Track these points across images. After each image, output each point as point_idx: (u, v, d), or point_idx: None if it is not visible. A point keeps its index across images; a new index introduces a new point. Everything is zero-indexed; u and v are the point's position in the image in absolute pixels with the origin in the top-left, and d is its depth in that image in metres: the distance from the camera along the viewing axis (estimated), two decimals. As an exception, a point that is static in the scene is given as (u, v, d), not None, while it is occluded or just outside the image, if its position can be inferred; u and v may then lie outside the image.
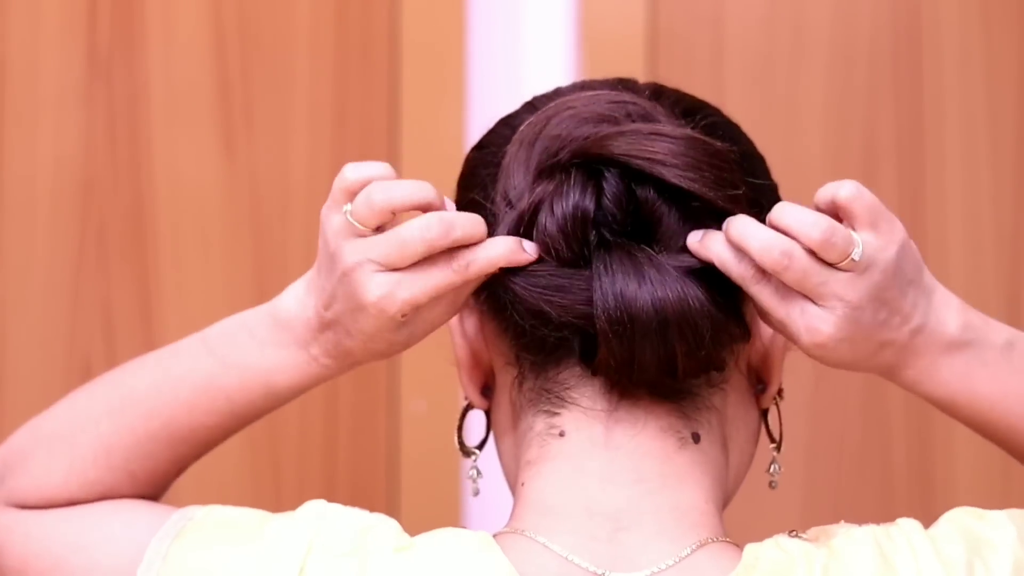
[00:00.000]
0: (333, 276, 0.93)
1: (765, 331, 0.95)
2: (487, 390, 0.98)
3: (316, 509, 0.92)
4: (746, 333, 0.92)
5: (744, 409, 0.96)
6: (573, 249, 0.88)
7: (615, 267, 0.87)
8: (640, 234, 0.89)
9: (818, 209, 0.91)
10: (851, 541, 0.89)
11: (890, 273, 0.90)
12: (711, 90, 1.90)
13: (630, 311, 0.86)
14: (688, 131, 0.89)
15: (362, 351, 0.95)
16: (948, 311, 0.96)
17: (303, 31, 1.83)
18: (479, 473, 0.99)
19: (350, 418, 1.84)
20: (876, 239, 0.90)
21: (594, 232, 0.88)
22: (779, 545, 0.89)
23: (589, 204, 0.88)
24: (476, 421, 1.01)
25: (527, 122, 0.92)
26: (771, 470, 0.99)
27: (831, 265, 0.88)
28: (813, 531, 0.92)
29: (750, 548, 0.89)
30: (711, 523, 0.92)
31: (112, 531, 0.98)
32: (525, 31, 1.87)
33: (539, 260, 0.89)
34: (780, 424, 0.99)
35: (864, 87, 1.85)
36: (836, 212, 0.91)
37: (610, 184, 0.88)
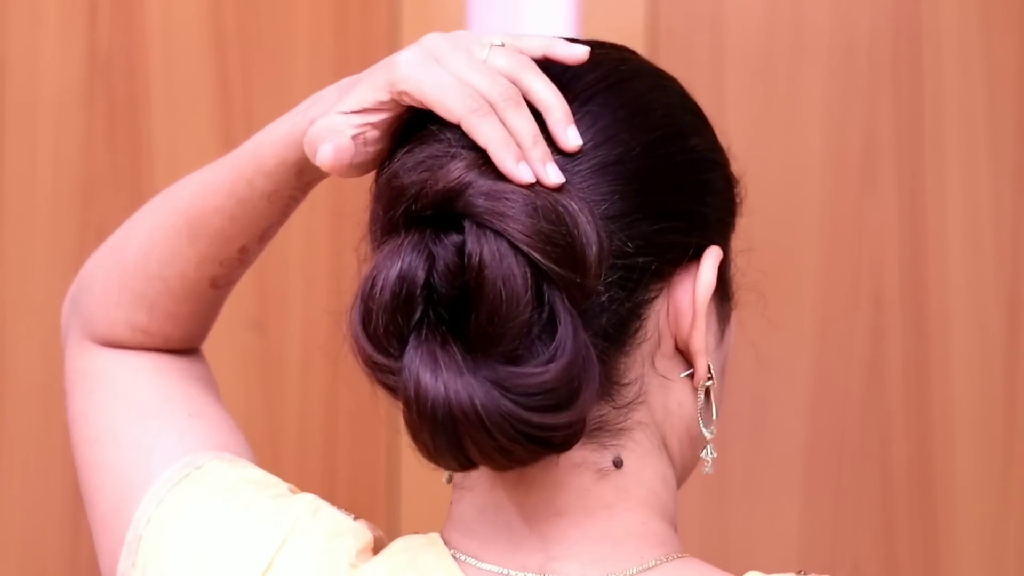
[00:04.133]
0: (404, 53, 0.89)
1: (683, 324, 0.89)
2: None
3: (310, 503, 0.92)
4: (605, 393, 0.86)
5: (675, 401, 0.90)
6: (399, 324, 0.82)
7: (419, 357, 0.81)
8: (467, 305, 0.82)
9: None
10: None
11: None
12: (711, 90, 1.90)
13: (420, 405, 0.80)
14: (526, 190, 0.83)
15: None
16: None
17: (303, 31, 1.83)
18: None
19: (350, 419, 1.84)
20: None
21: (420, 308, 0.82)
22: None
23: (420, 277, 0.81)
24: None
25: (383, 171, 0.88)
26: (703, 454, 0.92)
27: None
28: None
29: None
30: (655, 542, 0.88)
31: (141, 442, 0.98)
32: (525, 31, 1.86)
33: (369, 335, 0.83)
34: (713, 405, 0.91)
35: (864, 87, 1.85)
36: None
37: (445, 250, 0.82)
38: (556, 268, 0.81)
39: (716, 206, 0.91)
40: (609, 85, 0.89)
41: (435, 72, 0.85)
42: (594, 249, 0.82)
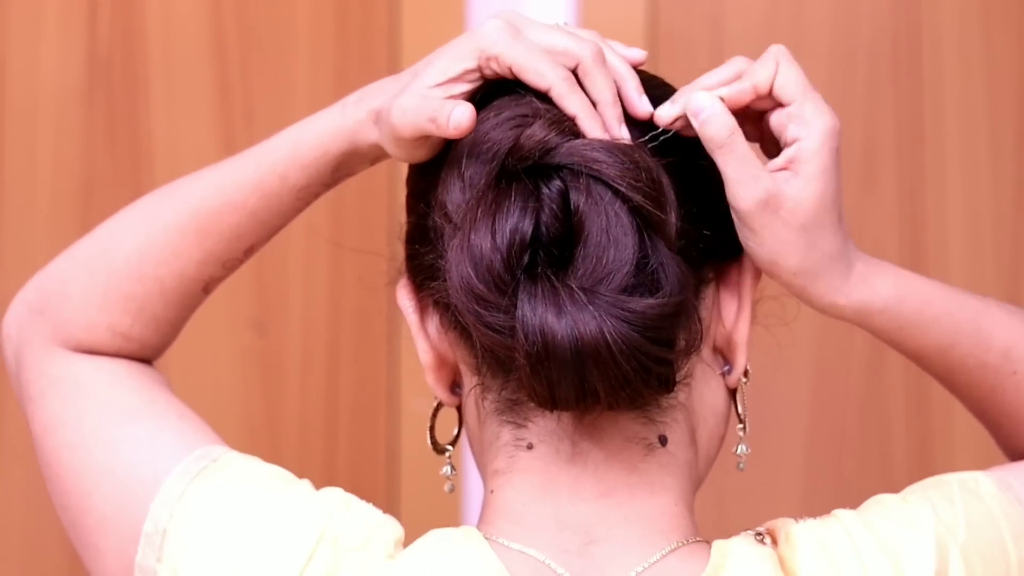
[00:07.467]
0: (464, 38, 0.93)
1: (728, 315, 0.94)
2: (456, 387, 0.97)
3: (341, 497, 0.92)
4: (693, 344, 0.90)
5: (711, 395, 0.95)
6: (507, 274, 0.85)
7: (537, 299, 0.84)
8: (572, 249, 0.86)
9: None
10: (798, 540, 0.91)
11: None
12: (711, 90, 1.90)
13: (547, 346, 0.83)
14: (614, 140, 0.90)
15: (385, 98, 0.95)
16: None
17: (303, 31, 1.83)
18: (453, 469, 0.98)
19: (350, 418, 1.84)
20: None
21: (528, 254, 0.86)
22: (744, 546, 0.90)
23: (528, 226, 0.85)
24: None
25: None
26: (738, 451, 0.97)
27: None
28: (767, 525, 0.93)
29: (717, 547, 0.90)
30: (682, 525, 0.91)
31: (138, 440, 0.97)
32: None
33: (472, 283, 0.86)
34: (745, 404, 0.96)
35: (864, 87, 1.85)
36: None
37: (550, 197, 0.86)
38: (650, 207, 0.86)
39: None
40: (648, 87, 0.95)
41: (523, 41, 0.91)
42: (672, 194, 0.88)
